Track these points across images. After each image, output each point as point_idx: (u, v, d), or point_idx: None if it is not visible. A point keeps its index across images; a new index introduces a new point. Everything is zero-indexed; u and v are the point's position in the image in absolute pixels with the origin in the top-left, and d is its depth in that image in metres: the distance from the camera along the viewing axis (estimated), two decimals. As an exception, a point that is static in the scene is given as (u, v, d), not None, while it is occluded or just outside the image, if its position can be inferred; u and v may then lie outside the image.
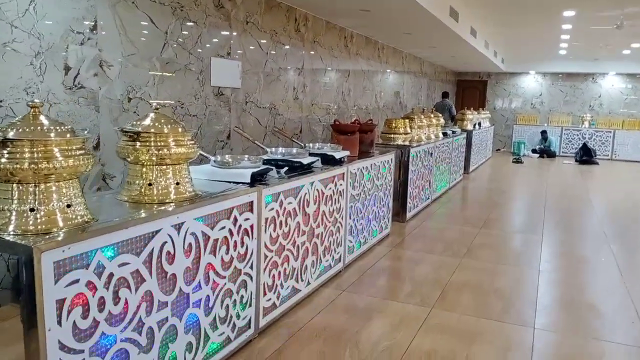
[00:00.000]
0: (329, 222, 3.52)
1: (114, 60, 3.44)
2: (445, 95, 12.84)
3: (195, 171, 2.75)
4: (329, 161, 3.63)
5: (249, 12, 4.85)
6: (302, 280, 3.18)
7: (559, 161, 12.76)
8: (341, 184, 3.67)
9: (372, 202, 4.42)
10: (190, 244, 2.12)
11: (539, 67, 14.56)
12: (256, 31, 5.01)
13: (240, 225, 2.46)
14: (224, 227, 2.33)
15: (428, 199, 6.53)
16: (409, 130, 5.76)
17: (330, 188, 3.48)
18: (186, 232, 2.09)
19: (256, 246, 2.61)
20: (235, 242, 2.43)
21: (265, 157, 3.30)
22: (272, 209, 2.74)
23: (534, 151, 13.64)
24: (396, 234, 5.05)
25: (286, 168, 3.13)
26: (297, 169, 3.18)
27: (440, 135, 7.27)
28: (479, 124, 11.01)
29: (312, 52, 6.12)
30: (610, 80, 14.28)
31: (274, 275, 2.83)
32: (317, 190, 3.29)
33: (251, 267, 2.59)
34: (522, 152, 13.65)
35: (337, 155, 3.69)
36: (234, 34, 4.70)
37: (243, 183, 2.62)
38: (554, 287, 3.78)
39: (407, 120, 5.79)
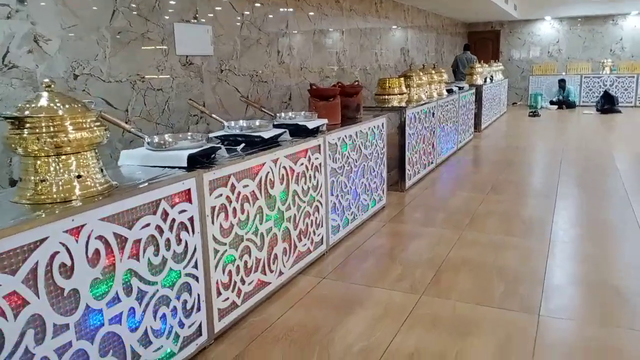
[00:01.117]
0: (304, 202, 3.09)
1: (51, 33, 3.00)
2: (466, 47, 12.09)
3: (128, 156, 2.34)
4: (301, 132, 3.18)
5: (213, -32, 4.33)
6: (271, 272, 2.78)
7: (579, 112, 12.02)
8: (317, 158, 3.22)
9: (361, 173, 3.97)
10: (97, 251, 1.73)
11: (555, 12, 13.63)
12: (226, -10, 4.50)
13: (173, 220, 2.05)
14: (148, 225, 1.93)
15: (432, 163, 6.05)
16: (404, 90, 5.23)
17: (302, 163, 3.04)
18: (89, 237, 1.69)
19: (200, 241, 2.20)
20: (167, 240, 2.03)
21: (221, 132, 2.86)
22: (221, 195, 2.33)
23: (552, 102, 12.88)
24: (393, 206, 4.61)
25: (243, 145, 2.70)
26: (258, 145, 2.74)
27: (444, 92, 6.70)
28: (491, 77, 10.34)
29: (297, 11, 5.57)
30: (632, 22, 13.30)
31: (230, 271, 2.43)
32: (285, 167, 2.85)
33: (195, 267, 2.19)
34: (540, 105, 12.91)
35: (311, 124, 3.23)
36: (197, -6, 4.20)
37: (180, 167, 2.20)
38: (566, 263, 3.32)
39: (401, 79, 5.26)
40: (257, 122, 2.97)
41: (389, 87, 5.16)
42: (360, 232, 3.91)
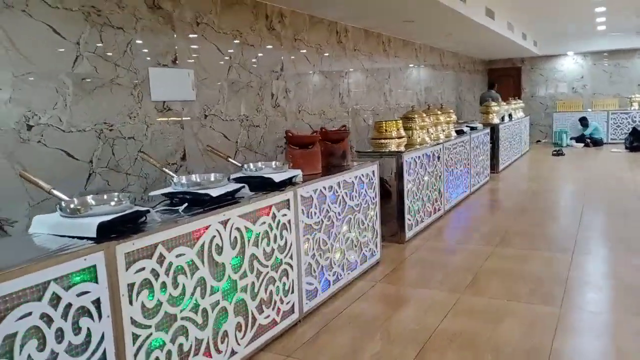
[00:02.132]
0: (266, 266, 2.70)
1: (1, 82, 2.77)
2: (491, 85, 11.76)
3: (40, 222, 2.01)
4: (266, 186, 2.82)
5: (199, 12, 4.12)
6: (218, 353, 2.38)
7: (607, 150, 11.38)
8: (285, 214, 2.85)
9: (346, 228, 3.57)
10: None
11: (577, 47, 13.17)
12: (212, 33, 4.27)
13: (69, 305, 1.69)
14: (29, 314, 1.57)
15: (440, 210, 5.59)
16: (402, 133, 4.85)
17: (264, 222, 2.67)
18: None
19: (111, 327, 1.83)
20: (59, 330, 1.67)
21: (168, 189, 2.53)
22: (143, 268, 1.96)
23: (577, 140, 12.27)
24: (389, 261, 4.17)
25: (186, 205, 2.35)
26: (205, 204, 2.39)
27: (453, 133, 6.29)
28: (510, 115, 9.89)
29: (293, 52, 5.32)
30: (660, 55, 12.74)
31: (157, 358, 2.04)
32: (239, 229, 2.48)
33: (104, 358, 1.82)
34: (565, 143, 12.32)
35: (279, 176, 2.87)
36: (179, 38, 3.98)
37: (88, 238, 1.86)
38: (580, 338, 2.81)
39: (399, 122, 4.88)
40: (212, 177, 2.63)
41: (386, 130, 4.79)
42: (345, 295, 3.47)
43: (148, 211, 2.09)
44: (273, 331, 2.79)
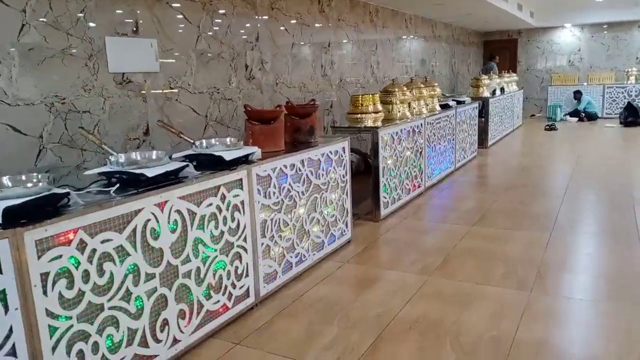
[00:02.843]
0: (214, 250, 2.55)
1: None
2: (490, 57, 11.49)
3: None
4: (215, 164, 2.65)
5: (150, -26, 3.86)
6: (157, 342, 2.24)
7: (601, 124, 11.16)
8: (237, 195, 2.68)
9: (311, 207, 3.41)
10: None
11: (575, 19, 12.82)
12: (178, 0, 4.03)
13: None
14: None
15: (420, 187, 5.43)
16: (379, 108, 4.65)
17: (211, 204, 2.50)
18: None
19: (21, 319, 1.68)
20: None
21: (104, 168, 2.35)
22: (60, 256, 1.80)
23: (571, 115, 12.04)
24: (360, 240, 4.02)
25: (117, 185, 2.18)
26: (140, 184, 2.21)
27: (437, 108, 6.08)
28: (502, 89, 9.64)
29: (271, 21, 5.06)
30: (660, 27, 12.40)
31: (81, 350, 1.90)
32: (179, 211, 2.32)
33: (13, 354, 1.67)
34: (559, 117, 12.09)
35: (231, 154, 2.69)
36: (140, 5, 3.75)
37: (-6, 224, 1.69)
38: (543, 324, 2.67)
39: (376, 96, 4.67)
40: (153, 155, 2.45)
41: (362, 104, 4.58)
42: (310, 277, 3.33)
43: (68, 193, 1.92)
44: (225, 316, 2.65)
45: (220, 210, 2.56)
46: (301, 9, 5.60)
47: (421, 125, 5.35)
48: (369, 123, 4.58)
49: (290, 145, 3.55)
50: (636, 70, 12.21)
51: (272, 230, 2.99)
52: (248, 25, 4.82)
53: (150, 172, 2.22)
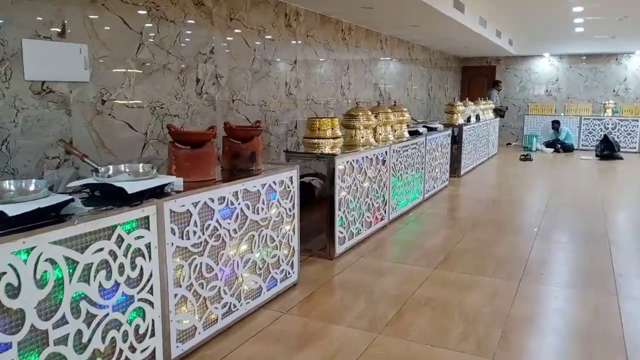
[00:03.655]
0: (104, 307, 2.05)
1: None
2: (493, 84, 11.32)
3: None
4: (115, 197, 2.16)
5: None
6: None
7: (577, 156, 10.96)
8: (141, 237, 2.19)
9: (246, 247, 2.93)
10: None
11: (554, 49, 12.71)
12: (117, 3, 3.57)
13: None
14: None
15: (383, 219, 5.00)
16: (338, 133, 4.23)
17: (101, 249, 2.01)
18: None
19: None
20: None
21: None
22: None
23: (547, 145, 11.84)
24: (308, 283, 3.55)
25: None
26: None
27: (405, 134, 5.70)
28: (477, 116, 9.35)
29: (228, 32, 4.62)
30: (637, 61, 12.34)
31: None
32: (53, 259, 1.82)
33: None
34: (535, 147, 11.87)
35: (134, 186, 2.20)
36: (70, 6, 3.29)
37: None
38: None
39: (334, 120, 4.25)
40: (32, 186, 1.96)
41: (319, 128, 4.15)
42: (240, 331, 2.84)
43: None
44: (116, 387, 2.14)
45: (115, 257, 2.07)
46: (264, 21, 5.18)
47: (386, 152, 4.94)
48: (327, 149, 4.15)
49: (228, 173, 3.10)
50: (613, 103, 12.11)
51: (190, 278, 2.51)
52: (202, 35, 4.38)
53: (12, 210, 1.72)
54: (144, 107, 3.92)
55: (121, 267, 2.11)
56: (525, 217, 5.68)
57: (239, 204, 2.83)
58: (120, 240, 2.09)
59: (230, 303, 2.83)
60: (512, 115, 13.84)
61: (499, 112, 11.36)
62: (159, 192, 2.37)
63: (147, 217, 2.21)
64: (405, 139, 5.54)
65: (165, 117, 4.14)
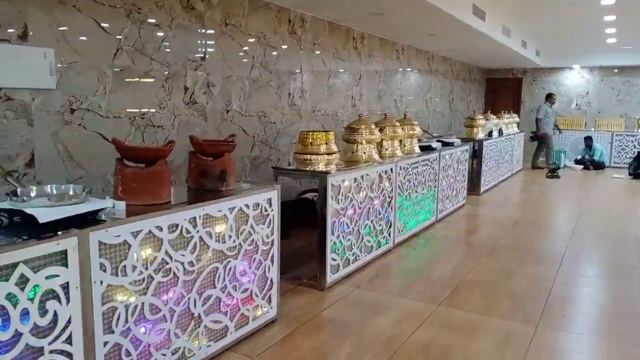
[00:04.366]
0: (-2, 363, 1.65)
1: None
2: (547, 97, 10.79)
3: None
4: (24, 227, 1.77)
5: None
6: None
7: (608, 174, 10.25)
8: (55, 276, 1.79)
9: (208, 281, 2.51)
10: None
11: (584, 61, 12.05)
12: (89, 3, 3.24)
13: None
14: None
15: (388, 243, 4.52)
16: (333, 148, 3.78)
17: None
18: None
19: None
20: None
21: None
22: None
23: (577, 162, 11.14)
24: (290, 319, 3.10)
25: None
26: None
27: (416, 149, 5.22)
28: (500, 130, 8.79)
29: (223, 38, 4.26)
30: (673, 74, 11.58)
31: None
32: None
33: None
34: (563, 163, 11.18)
35: (49, 213, 1.80)
36: (34, 6, 2.97)
37: None
38: None
39: (330, 134, 3.80)
40: None
41: (312, 143, 3.72)
42: (196, 379, 2.41)
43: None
44: None
45: (15, 302, 1.67)
46: (265, 27, 4.80)
47: (391, 170, 4.47)
48: (320, 166, 3.71)
49: (194, 193, 2.69)
50: (647, 118, 11.36)
51: (127, 322, 2.09)
52: (191, 41, 4.02)
53: None
54: (122, 117, 3.56)
55: (24, 314, 1.70)
56: (549, 243, 5.11)
57: (198, 231, 2.41)
58: (23, 280, 1.69)
59: (184, 348, 2.40)
60: (539, 130, 13.15)
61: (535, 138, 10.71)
62: (90, 220, 1.97)
63: (64, 252, 1.81)
64: (416, 155, 5.06)
65: (147, 128, 3.78)
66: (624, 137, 11.39)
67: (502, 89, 13.57)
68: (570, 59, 12.07)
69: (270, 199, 2.92)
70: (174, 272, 2.30)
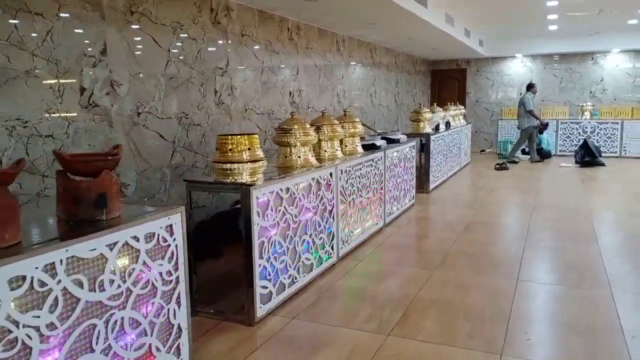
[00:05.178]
0: None
1: None
2: (528, 87, 10.29)
3: None
4: None
5: None
6: None
7: (555, 163, 10.15)
8: None
9: (82, 344, 1.88)
10: None
11: (526, 49, 11.96)
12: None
13: None
14: None
15: (331, 257, 3.99)
16: (259, 154, 3.20)
17: None
18: None
19: None
20: None
21: None
22: None
23: (523, 152, 11.01)
24: (206, 371, 2.51)
25: None
26: None
27: (359, 149, 4.71)
28: (447, 123, 8.46)
29: (126, 28, 3.55)
30: (613, 60, 11.65)
31: None
32: None
33: None
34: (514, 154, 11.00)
35: None
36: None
37: None
38: None
39: (253, 137, 3.21)
40: None
41: (233, 149, 3.12)
42: None
43: None
44: None
45: None
46: (182, 16, 4.12)
47: (331, 174, 3.94)
48: (243, 177, 3.12)
49: (63, 226, 2.05)
50: (591, 105, 11.37)
51: None
52: (87, 31, 3.31)
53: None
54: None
55: None
56: (503, 246, 4.72)
57: (59, 282, 1.78)
58: None
59: None
60: (485, 120, 13.05)
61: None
62: None
63: None
64: (358, 155, 4.55)
65: (31, 138, 3.07)
66: (568, 125, 11.37)
67: (447, 80, 13.37)
68: (513, 47, 11.97)
69: (170, 226, 2.31)
70: (24, 342, 1.67)
